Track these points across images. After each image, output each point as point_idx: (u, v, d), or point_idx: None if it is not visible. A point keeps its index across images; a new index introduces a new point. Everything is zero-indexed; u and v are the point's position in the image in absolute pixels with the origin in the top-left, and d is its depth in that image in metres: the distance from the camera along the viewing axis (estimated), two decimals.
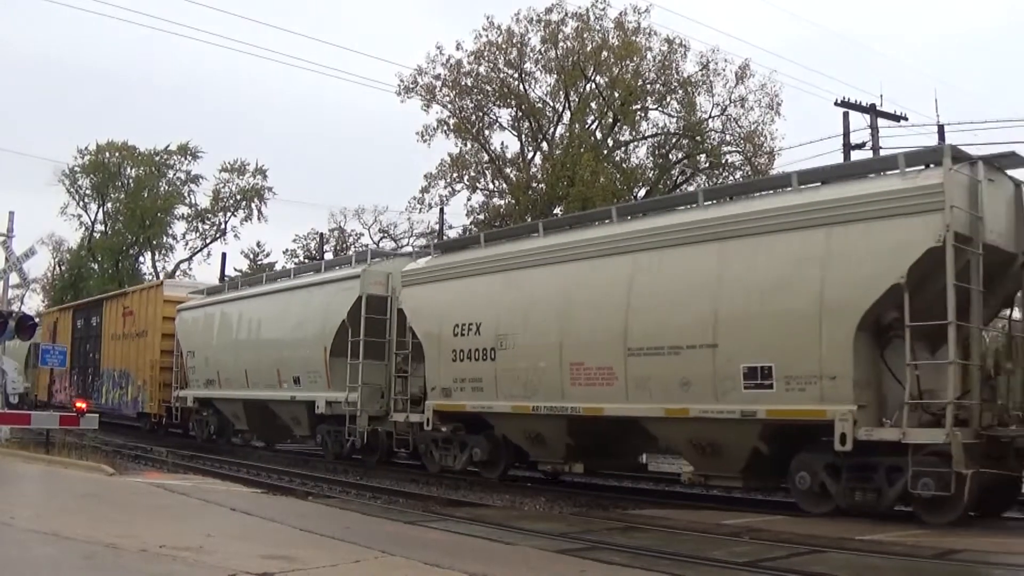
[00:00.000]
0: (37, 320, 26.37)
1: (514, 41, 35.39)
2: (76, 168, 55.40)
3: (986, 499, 10.24)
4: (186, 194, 56.44)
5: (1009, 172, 10.85)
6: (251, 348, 20.72)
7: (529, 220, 28.59)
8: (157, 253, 57.94)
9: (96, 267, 57.23)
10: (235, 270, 50.71)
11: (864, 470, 10.33)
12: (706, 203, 12.70)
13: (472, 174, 36.97)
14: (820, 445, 10.62)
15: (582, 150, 33.68)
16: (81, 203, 57.02)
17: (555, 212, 32.66)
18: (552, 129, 37.01)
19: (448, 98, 36.34)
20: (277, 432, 21.88)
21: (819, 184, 11.60)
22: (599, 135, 36.29)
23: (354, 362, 17.18)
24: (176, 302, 24.54)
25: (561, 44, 35.00)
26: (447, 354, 15.32)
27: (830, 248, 10.63)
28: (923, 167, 10.43)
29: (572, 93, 35.77)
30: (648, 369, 12.27)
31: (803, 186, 11.60)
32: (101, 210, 57.63)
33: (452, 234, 36.66)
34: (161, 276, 56.51)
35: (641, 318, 12.39)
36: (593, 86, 35.58)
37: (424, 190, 36.97)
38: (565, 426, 13.83)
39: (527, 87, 36.30)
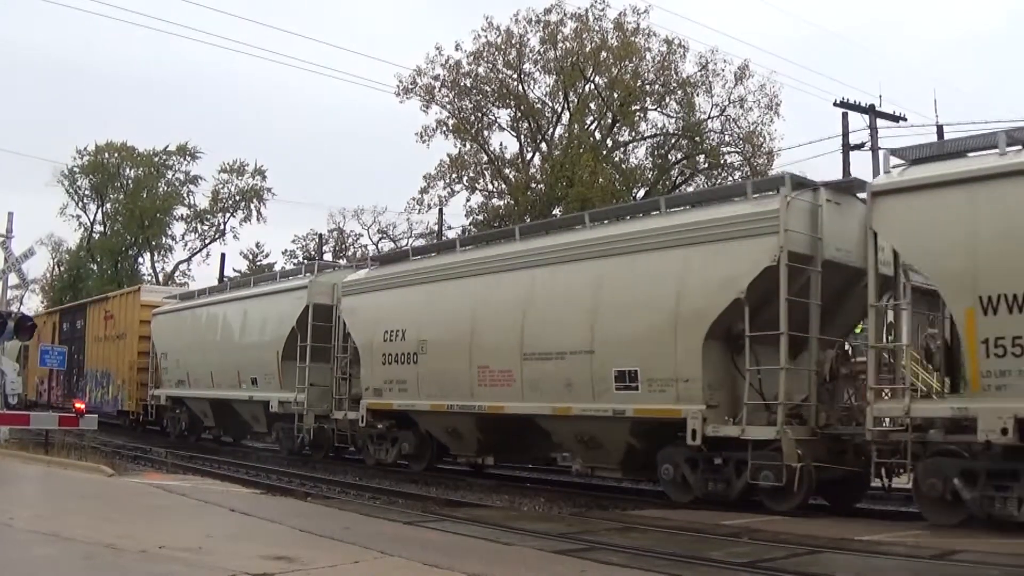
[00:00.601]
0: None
1: (513, 42, 35.43)
2: (75, 169, 55.41)
3: (841, 491, 11.64)
4: (185, 195, 56.52)
5: (861, 195, 11.52)
6: (216, 351, 22.14)
7: (528, 220, 28.62)
8: (156, 254, 57.96)
9: (95, 268, 57.20)
10: (234, 271, 50.83)
11: (712, 463, 11.69)
12: (591, 224, 14.07)
13: (471, 175, 37.02)
14: (681, 440, 11.81)
15: (581, 151, 33.71)
16: (80, 204, 57.05)
17: (554, 212, 32.69)
18: (551, 130, 37.06)
19: (447, 99, 36.42)
20: (240, 428, 23.11)
21: (684, 208, 13.17)
22: (598, 136, 36.33)
23: (302, 365, 18.69)
24: (152, 306, 25.82)
25: (560, 45, 35.03)
26: (378, 358, 16.82)
27: (686, 266, 12.04)
28: (772, 192, 11.62)
29: (571, 94, 35.80)
30: (540, 372, 13.70)
31: (670, 210, 13.08)
32: (100, 211, 57.64)
33: (451, 235, 36.70)
34: (160, 277, 56.66)
35: (535, 327, 13.84)
36: (592, 87, 35.61)
37: (423, 191, 37.04)
38: (475, 423, 15.25)
39: (526, 88, 36.37)
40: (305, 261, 46.26)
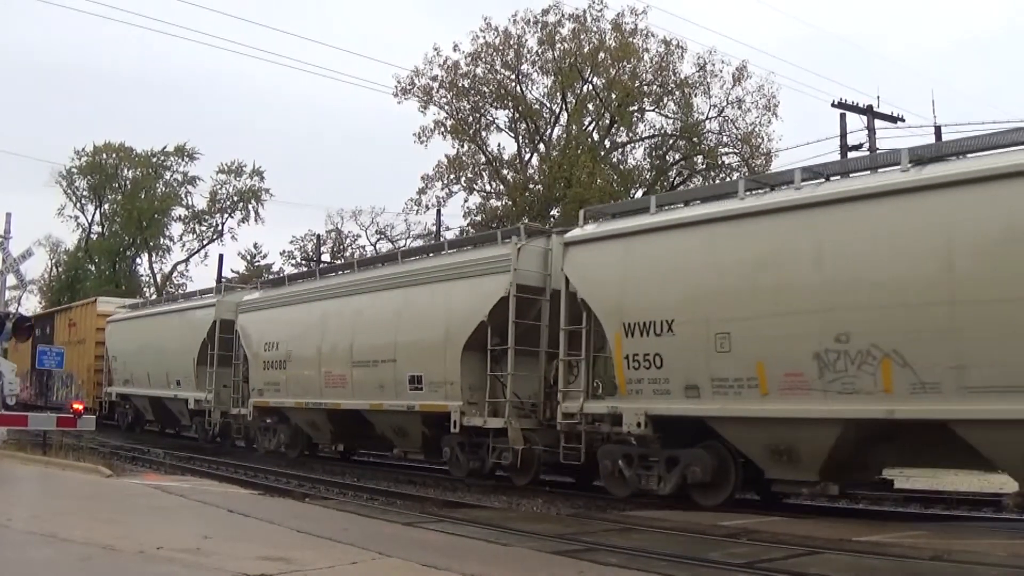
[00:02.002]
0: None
1: (511, 42, 35.44)
2: (73, 169, 55.41)
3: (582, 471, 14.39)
4: (183, 195, 56.55)
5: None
6: (151, 355, 25.74)
7: (527, 220, 28.62)
8: (154, 255, 57.98)
9: (93, 268, 57.19)
10: (232, 272, 50.86)
11: (476, 446, 15.33)
12: (402, 260, 17.86)
13: (469, 175, 37.04)
14: (463, 429, 15.21)
15: (579, 151, 33.72)
16: (78, 204, 57.03)
17: (552, 213, 32.71)
18: (549, 130, 37.07)
19: (445, 99, 36.43)
20: (173, 422, 26.57)
21: (461, 249, 16.59)
22: (596, 136, 36.33)
23: (211, 370, 22.52)
24: (106, 315, 29.42)
25: (558, 45, 35.05)
26: (261, 364, 20.60)
27: (452, 295, 15.60)
28: (513, 239, 14.85)
29: (569, 94, 35.81)
30: (363, 376, 17.26)
31: (450, 251, 16.91)
32: (98, 211, 57.61)
33: (449, 235, 36.80)
34: (159, 278, 56.74)
35: (361, 340, 17.48)
36: (590, 87, 35.64)
37: (421, 191, 37.05)
38: (326, 416, 18.85)
39: (524, 88, 36.39)
40: (304, 261, 46.35)
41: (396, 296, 16.83)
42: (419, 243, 39.97)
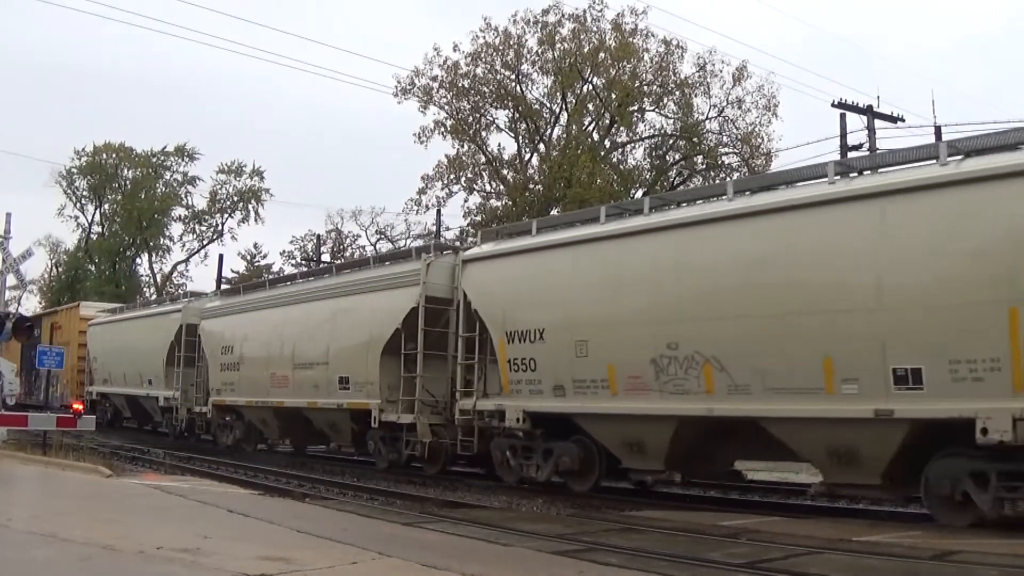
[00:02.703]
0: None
1: (511, 43, 35.43)
2: (73, 169, 55.45)
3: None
4: (183, 196, 56.61)
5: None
6: (127, 356, 27.56)
7: (525, 219, 28.60)
8: (154, 255, 58.02)
9: (93, 268, 57.21)
10: (232, 272, 50.85)
11: (394, 439, 17.14)
12: (336, 273, 19.68)
13: (469, 175, 37.04)
14: (381, 424, 17.02)
15: (579, 151, 33.72)
16: (78, 204, 57.06)
17: (552, 213, 32.69)
18: (549, 130, 37.07)
19: (445, 99, 36.43)
20: (147, 418, 28.20)
21: (385, 264, 18.43)
22: (596, 136, 36.34)
23: (178, 370, 24.36)
24: (88, 319, 31.46)
25: (558, 45, 35.04)
26: (218, 366, 22.38)
27: (375, 305, 17.25)
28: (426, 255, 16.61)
29: (569, 94, 35.81)
30: (302, 377, 18.98)
31: (377, 264, 18.78)
32: (98, 211, 57.65)
33: (449, 235, 36.85)
34: (159, 278, 56.76)
35: (301, 345, 19.18)
36: (590, 87, 35.65)
37: (421, 191, 37.05)
38: (273, 414, 20.61)
39: (524, 88, 36.38)
40: (304, 262, 46.29)
41: (329, 305, 18.68)
42: (417, 243, 39.88)
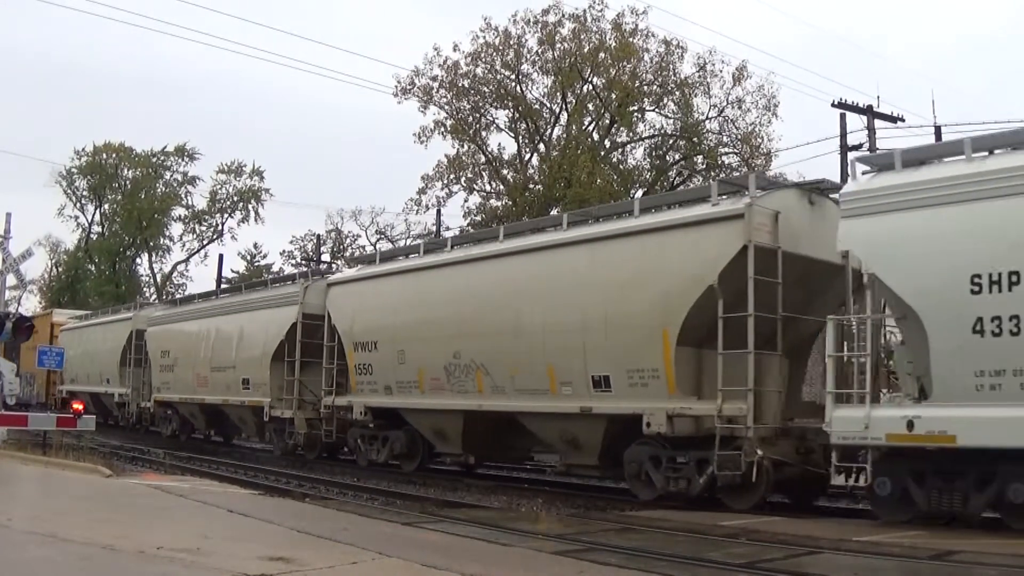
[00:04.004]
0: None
1: (511, 42, 35.43)
2: (73, 169, 55.48)
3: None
4: (183, 195, 56.61)
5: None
6: (90, 358, 31.12)
7: (526, 219, 28.63)
8: (154, 255, 58.05)
9: (93, 268, 57.20)
10: (232, 271, 50.90)
11: (281, 431, 20.68)
12: (245, 292, 23.81)
13: (469, 175, 37.05)
14: (272, 418, 20.68)
15: (579, 151, 33.73)
16: (78, 204, 57.08)
17: (552, 213, 32.66)
18: (549, 130, 37.07)
19: (445, 99, 36.44)
20: (107, 413, 30.51)
21: (277, 285, 22.28)
22: (596, 136, 36.34)
23: (129, 370, 27.77)
24: (60, 325, 35.05)
25: (558, 45, 35.04)
26: (158, 367, 26.01)
27: (269, 319, 20.80)
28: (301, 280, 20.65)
29: (569, 94, 35.82)
30: (218, 378, 22.65)
31: (273, 286, 22.56)
32: (98, 211, 57.67)
33: (448, 235, 36.76)
34: (158, 278, 56.77)
35: (217, 351, 22.84)
36: (590, 87, 35.63)
37: (421, 191, 37.06)
38: (199, 409, 24.24)
39: (524, 88, 36.39)
40: (303, 261, 46.32)
41: (236, 319, 22.35)
42: (419, 242, 39.90)
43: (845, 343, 11.38)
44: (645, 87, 35.12)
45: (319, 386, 19.08)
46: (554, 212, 31.74)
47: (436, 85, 36.02)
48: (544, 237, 14.66)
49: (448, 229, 38.49)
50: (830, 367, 10.63)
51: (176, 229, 56.90)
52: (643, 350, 12.31)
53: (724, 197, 12.28)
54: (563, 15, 35.17)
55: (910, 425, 9.66)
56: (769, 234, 11.68)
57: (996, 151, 9.93)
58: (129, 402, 28.08)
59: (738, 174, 33.34)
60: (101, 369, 30.15)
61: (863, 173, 10.92)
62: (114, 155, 55.26)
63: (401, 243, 43.21)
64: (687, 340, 12.07)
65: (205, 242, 56.29)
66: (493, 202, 37.04)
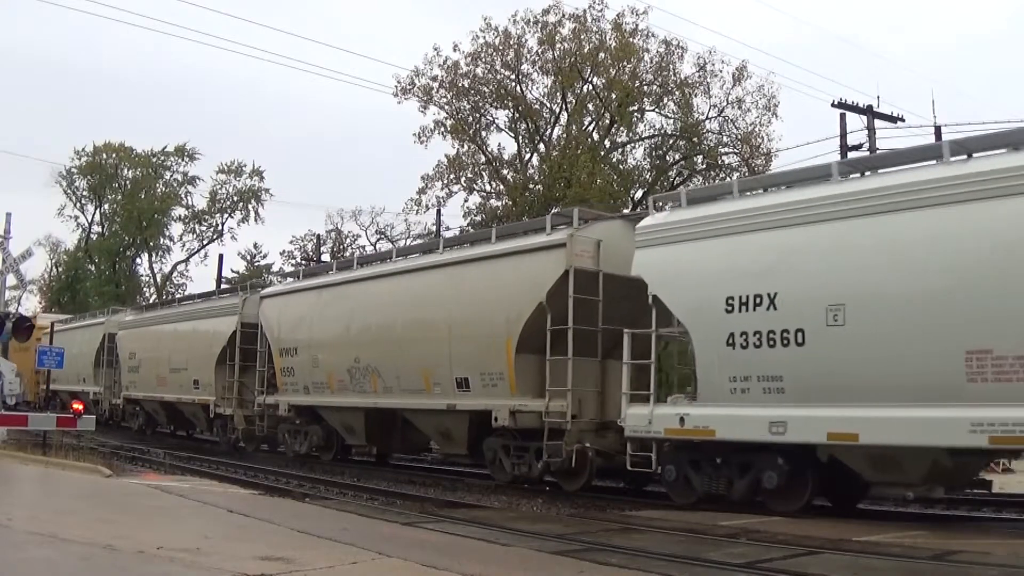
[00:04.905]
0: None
1: (511, 42, 35.37)
2: (73, 169, 55.38)
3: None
4: (183, 195, 56.51)
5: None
6: (68, 359, 31.10)
7: (526, 220, 28.64)
8: (154, 255, 57.96)
9: (93, 268, 57.15)
10: (232, 271, 50.86)
11: (224, 426, 23.00)
12: (180, 304, 27.74)
13: (469, 175, 36.95)
14: (217, 415, 23.14)
15: (579, 151, 33.68)
16: (78, 204, 57.00)
17: (552, 213, 32.63)
18: (549, 130, 37.02)
19: (445, 99, 36.35)
20: (90, 409, 31.67)
21: (213, 298, 25.60)
22: (596, 136, 36.29)
23: (102, 370, 30.47)
24: (43, 328, 35.22)
25: (558, 45, 34.99)
26: (127, 368, 28.54)
27: (212, 328, 23.39)
28: (241, 293, 23.76)
29: (569, 94, 35.77)
30: (175, 378, 25.04)
31: (212, 299, 25.72)
32: (98, 211, 57.57)
33: (449, 235, 36.78)
34: (158, 278, 56.74)
35: (174, 353, 25.47)
36: (590, 87, 35.59)
37: (421, 191, 36.94)
38: (160, 405, 26.87)
39: (524, 88, 36.31)
40: (303, 261, 46.31)
41: (187, 326, 25.15)
42: (419, 242, 39.96)
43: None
44: (645, 87, 35.08)
45: (255, 386, 21.62)
46: (554, 212, 31.86)
47: (436, 85, 35.98)
48: (419, 260, 17.47)
49: (448, 229, 38.50)
50: (625, 372, 12.69)
51: (176, 229, 56.88)
52: (492, 357, 14.59)
53: (561, 227, 14.32)
54: (563, 15, 35.15)
55: (682, 421, 11.72)
56: (591, 259, 13.78)
57: (765, 190, 12.22)
58: (102, 399, 30.59)
59: (738, 174, 33.46)
60: (78, 370, 32.27)
61: (656, 209, 13.22)
62: (114, 155, 55.18)
63: (401, 243, 43.20)
64: (527, 348, 14.14)
65: (205, 242, 56.27)
66: (493, 202, 37.01)
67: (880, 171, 11.05)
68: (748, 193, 12.09)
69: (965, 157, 10.04)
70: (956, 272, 9.55)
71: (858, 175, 11.30)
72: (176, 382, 24.93)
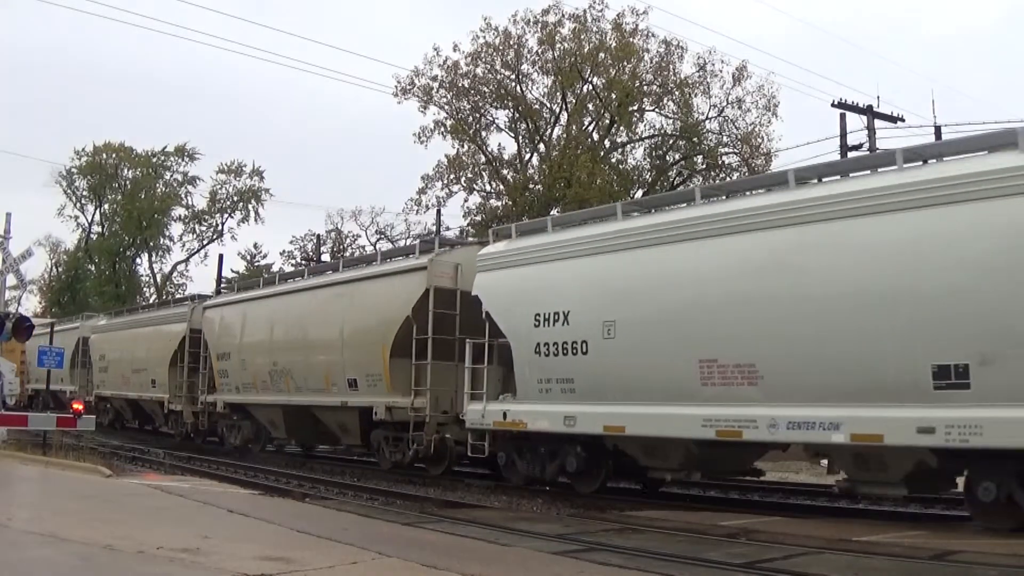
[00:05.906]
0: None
1: (511, 42, 35.41)
2: (73, 169, 55.37)
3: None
4: (183, 195, 56.50)
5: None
6: None
7: (526, 220, 28.65)
8: (154, 255, 57.95)
9: (93, 268, 57.15)
10: (232, 271, 50.87)
11: (177, 421, 25.33)
12: (159, 308, 29.90)
13: (469, 175, 37.00)
14: (170, 411, 25.59)
15: (579, 151, 33.71)
16: (78, 204, 56.99)
17: (552, 212, 32.67)
18: (549, 130, 37.04)
19: (445, 99, 36.41)
20: (63, 407, 32.74)
21: (172, 307, 28.17)
22: (596, 136, 36.32)
23: (77, 371, 32.63)
24: None
25: (558, 45, 35.01)
26: (99, 368, 30.77)
27: (166, 332, 25.91)
28: (190, 303, 26.38)
29: (569, 94, 35.79)
30: (136, 378, 27.43)
31: (178, 305, 27.70)
32: (98, 211, 57.56)
33: (449, 235, 36.83)
34: (158, 278, 56.72)
35: (136, 356, 27.71)
36: (590, 87, 35.61)
37: (421, 191, 37.02)
38: (125, 402, 29.52)
39: (524, 88, 36.37)
40: (303, 261, 46.29)
41: (146, 331, 27.43)
42: (419, 243, 39.94)
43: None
44: (645, 87, 35.11)
45: (200, 386, 23.99)
46: (554, 212, 31.88)
47: (436, 85, 36.04)
48: (324, 278, 19.74)
49: (448, 229, 38.54)
50: (467, 375, 14.86)
51: (176, 229, 56.86)
52: (373, 361, 16.88)
53: (427, 253, 16.63)
54: (563, 15, 35.21)
55: (505, 415, 14.08)
56: (450, 279, 16.12)
57: (582, 223, 14.21)
58: (77, 397, 31.84)
59: (737, 175, 33.50)
60: (56, 370, 33.64)
61: (495, 238, 15.52)
62: (114, 155, 55.17)
63: (401, 243, 43.22)
64: (399, 353, 16.31)
65: (205, 242, 56.26)
66: (493, 202, 37.06)
67: (655, 211, 13.41)
68: (558, 228, 14.53)
69: (705, 202, 12.47)
70: (691, 298, 11.67)
71: (638, 213, 13.76)
72: (138, 381, 27.37)
